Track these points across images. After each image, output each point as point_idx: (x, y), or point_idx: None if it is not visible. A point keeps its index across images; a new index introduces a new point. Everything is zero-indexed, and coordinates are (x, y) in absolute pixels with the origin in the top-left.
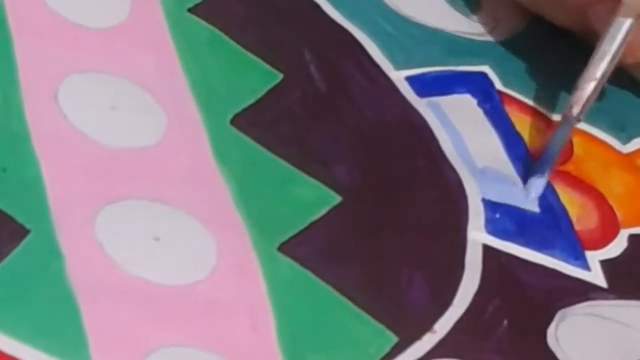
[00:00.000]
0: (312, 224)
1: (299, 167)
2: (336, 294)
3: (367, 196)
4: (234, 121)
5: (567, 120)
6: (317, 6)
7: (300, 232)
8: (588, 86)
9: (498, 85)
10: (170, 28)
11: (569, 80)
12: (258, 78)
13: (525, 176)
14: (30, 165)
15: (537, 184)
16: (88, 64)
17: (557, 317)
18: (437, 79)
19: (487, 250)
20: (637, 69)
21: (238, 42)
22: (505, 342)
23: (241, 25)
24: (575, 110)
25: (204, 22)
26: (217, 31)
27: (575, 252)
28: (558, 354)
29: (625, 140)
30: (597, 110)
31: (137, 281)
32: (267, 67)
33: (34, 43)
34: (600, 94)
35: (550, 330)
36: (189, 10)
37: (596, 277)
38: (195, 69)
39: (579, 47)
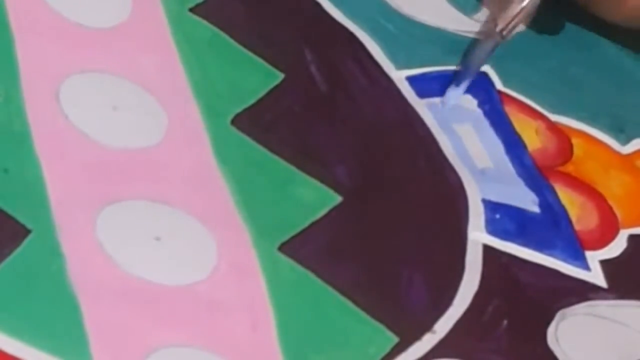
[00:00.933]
0: (312, 224)
1: (299, 167)
2: (336, 294)
3: (368, 196)
4: (235, 121)
5: (492, 35)
6: (318, 5)
7: (301, 232)
8: (516, 7)
9: (498, 85)
10: (171, 28)
11: (569, 80)
12: (259, 78)
13: (526, 177)
14: (32, 165)
15: (454, 94)
16: (89, 64)
17: (557, 317)
18: (437, 79)
19: (488, 250)
20: (593, 5)
21: (239, 42)
22: (505, 342)
23: (242, 24)
24: (500, 27)
25: (205, 22)
26: (218, 31)
27: (575, 252)
28: (558, 354)
29: (624, 141)
30: (597, 112)
31: (138, 281)
32: (268, 66)
33: (35, 43)
34: (601, 93)
35: (550, 331)
36: (190, 10)
37: (596, 277)
38: (197, 68)
39: (580, 47)
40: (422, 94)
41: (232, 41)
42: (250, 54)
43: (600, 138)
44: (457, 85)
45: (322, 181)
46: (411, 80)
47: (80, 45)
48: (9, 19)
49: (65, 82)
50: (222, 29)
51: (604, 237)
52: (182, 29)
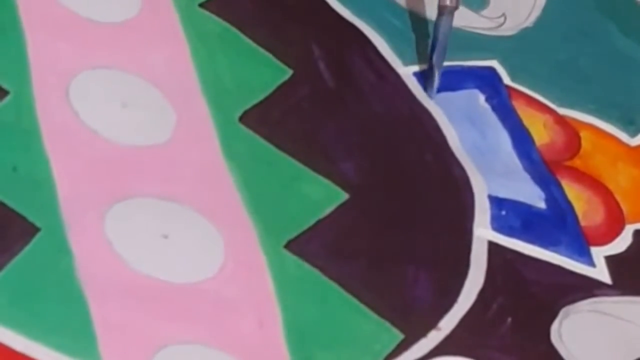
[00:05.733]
0: (318, 222)
1: (306, 164)
2: (342, 291)
3: (374, 193)
4: (243, 118)
5: (445, 11)
6: (325, 2)
7: (307, 230)
8: None
9: (506, 80)
10: (182, 23)
11: (578, 73)
12: (268, 74)
13: (533, 172)
14: (41, 163)
15: (436, 81)
16: (99, 61)
17: (560, 314)
18: (445, 75)
19: (493, 247)
20: None
21: (249, 37)
22: (508, 339)
23: (252, 20)
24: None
25: (215, 17)
26: (228, 26)
27: (580, 249)
28: (561, 351)
29: (634, 133)
30: (606, 104)
31: (146, 279)
32: (277, 62)
33: (45, 39)
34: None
35: (554, 328)
36: (200, 5)
37: (601, 273)
38: (207, 64)
39: (589, 39)
40: None
41: (242, 36)
42: (260, 49)
43: (609, 130)
44: (438, 69)
45: (329, 178)
46: (418, 75)
47: (90, 41)
48: (19, 15)
49: (76, 79)
50: (232, 24)
51: (610, 233)
52: (193, 23)
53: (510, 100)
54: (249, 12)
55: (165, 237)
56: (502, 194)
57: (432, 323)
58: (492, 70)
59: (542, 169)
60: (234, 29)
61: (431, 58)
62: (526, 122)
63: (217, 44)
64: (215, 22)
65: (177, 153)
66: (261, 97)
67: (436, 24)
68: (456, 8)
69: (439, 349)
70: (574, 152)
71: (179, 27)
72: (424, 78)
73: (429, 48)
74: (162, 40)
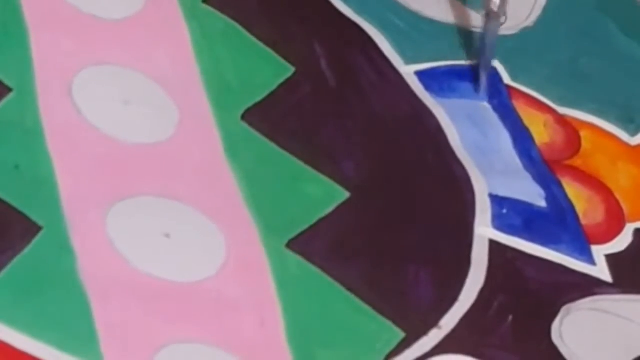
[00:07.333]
0: (320, 221)
1: (308, 163)
2: (344, 290)
3: (375, 192)
4: (245, 116)
5: (491, 16)
6: (328, 2)
7: (309, 228)
8: None
9: (506, 79)
10: (185, 18)
11: (579, 72)
12: (270, 71)
13: (534, 171)
14: (43, 161)
15: (484, 80)
16: (103, 57)
17: (561, 312)
18: (446, 74)
19: (494, 245)
20: None
21: (252, 34)
22: (509, 337)
23: (255, 17)
24: (496, 5)
25: (219, 13)
26: (232, 22)
27: (581, 247)
28: (562, 349)
29: (634, 132)
30: (606, 103)
31: (148, 278)
32: (280, 59)
33: (49, 35)
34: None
35: (555, 326)
36: (204, 1)
37: (601, 271)
38: (210, 61)
39: (589, 38)
40: (430, 88)
41: (245, 32)
42: (263, 45)
43: (609, 130)
44: (487, 69)
45: (330, 177)
46: (420, 74)
47: (94, 37)
48: (23, 12)
49: (79, 75)
50: (235, 20)
51: (610, 231)
52: (196, 20)
53: (511, 100)
54: (253, 8)
55: (167, 236)
56: (503, 192)
57: (433, 321)
58: (492, 69)
59: (542, 168)
60: (237, 26)
61: (480, 62)
62: (526, 121)
63: (220, 40)
64: (218, 19)
65: (180, 151)
66: (263, 95)
67: (484, 29)
68: (503, 13)
69: (440, 348)
70: (574, 151)
71: (182, 23)
72: (474, 81)
73: (476, 52)
74: (166, 37)
